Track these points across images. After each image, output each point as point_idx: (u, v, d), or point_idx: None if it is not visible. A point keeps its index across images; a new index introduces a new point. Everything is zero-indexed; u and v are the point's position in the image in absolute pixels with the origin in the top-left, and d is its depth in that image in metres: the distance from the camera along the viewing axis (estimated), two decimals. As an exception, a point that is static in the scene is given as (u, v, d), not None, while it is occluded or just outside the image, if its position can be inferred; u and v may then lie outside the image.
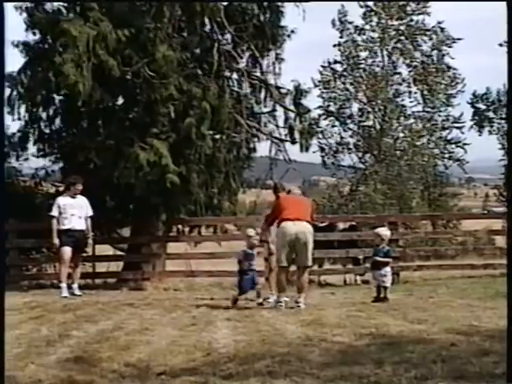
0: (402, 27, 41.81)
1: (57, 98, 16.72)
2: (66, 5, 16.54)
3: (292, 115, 18.33)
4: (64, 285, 14.23)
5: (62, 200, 14.57)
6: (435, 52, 41.96)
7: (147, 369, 6.46)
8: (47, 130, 16.98)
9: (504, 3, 6.01)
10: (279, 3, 17.89)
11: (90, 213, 14.71)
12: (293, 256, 11.56)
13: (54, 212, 14.40)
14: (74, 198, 14.59)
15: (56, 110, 16.88)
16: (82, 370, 6.54)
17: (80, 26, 14.82)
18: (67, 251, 14.32)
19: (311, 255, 11.74)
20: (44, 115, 16.85)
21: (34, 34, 16.38)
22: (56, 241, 14.31)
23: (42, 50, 16.16)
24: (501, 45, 40.81)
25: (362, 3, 41.62)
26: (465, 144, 42.21)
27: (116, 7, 15.84)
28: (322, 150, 42.04)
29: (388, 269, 12.20)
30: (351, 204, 40.20)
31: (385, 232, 12.76)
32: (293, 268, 12.00)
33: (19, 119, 16.52)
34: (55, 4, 16.68)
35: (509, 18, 6.07)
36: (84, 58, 14.67)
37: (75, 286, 14.53)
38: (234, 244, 21.86)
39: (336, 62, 42.40)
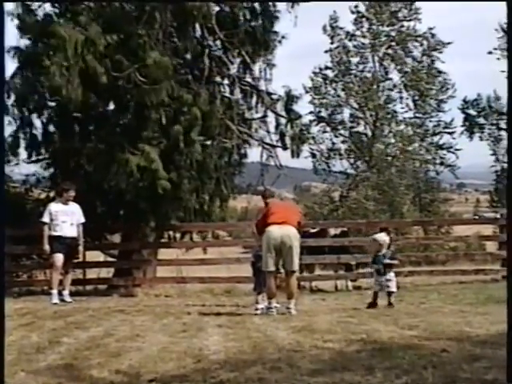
0: (393, 33, 41.97)
1: (48, 103, 16.73)
2: (56, 11, 16.55)
3: (283, 121, 18.34)
4: (55, 291, 14.18)
5: (53, 206, 14.50)
6: (426, 58, 42.14)
7: (138, 376, 6.43)
8: (39, 136, 16.96)
9: (504, 3, 6.02)
10: (271, 8, 17.91)
11: (82, 220, 14.65)
12: (280, 261, 11.55)
13: (45, 218, 14.34)
14: (66, 204, 14.52)
15: (48, 115, 16.86)
16: (72, 377, 6.51)
17: (69, 29, 14.81)
18: (59, 258, 14.27)
19: (298, 260, 11.70)
20: (35, 120, 16.86)
21: (27, 39, 16.36)
22: (46, 247, 14.26)
23: (34, 55, 16.11)
24: (490, 52, 41.16)
25: (353, 9, 41.79)
26: (456, 150, 42.40)
27: (106, 12, 15.83)
28: (314, 155, 42.19)
29: (392, 273, 12.19)
30: (342, 210, 40.26)
31: (383, 238, 12.74)
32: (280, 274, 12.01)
33: (14, 120, 16.56)
34: (46, 9, 16.72)
35: (509, 18, 6.07)
36: (72, 62, 14.65)
37: (66, 292, 14.49)
38: (224, 250, 21.91)
39: (327, 67, 42.57)
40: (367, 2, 41.41)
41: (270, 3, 17.90)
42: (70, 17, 15.83)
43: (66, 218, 14.43)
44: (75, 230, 14.54)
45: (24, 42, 16.47)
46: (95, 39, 15.00)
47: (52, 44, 14.78)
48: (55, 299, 14.02)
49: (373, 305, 11.97)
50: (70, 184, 14.77)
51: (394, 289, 12.09)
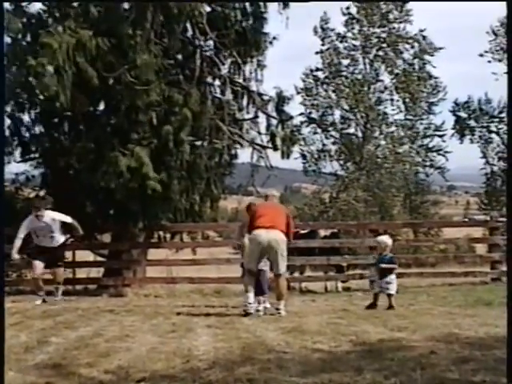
0: (384, 35, 41.98)
1: (38, 101, 16.65)
2: (45, 8, 16.49)
3: (274, 122, 18.34)
4: (41, 292, 14.20)
5: (29, 223, 14.23)
6: (417, 60, 42.19)
7: (126, 375, 6.42)
8: (28, 135, 16.93)
9: (504, 3, 6.03)
10: (262, 10, 17.91)
11: (68, 220, 14.51)
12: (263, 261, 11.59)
13: (21, 234, 14.11)
14: (39, 220, 14.24)
15: (37, 114, 16.81)
16: (61, 376, 6.49)
17: (59, 35, 14.75)
18: (37, 265, 14.26)
19: (285, 263, 11.67)
20: (25, 119, 16.83)
21: (11, 36, 16.20)
22: (16, 256, 14.05)
23: (20, 53, 15.99)
24: (481, 55, 41.28)
25: (344, 11, 41.83)
26: (446, 152, 42.47)
27: (96, 12, 15.76)
28: (304, 157, 42.18)
29: (393, 276, 12.19)
30: (332, 211, 40.25)
31: (385, 240, 12.73)
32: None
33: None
34: (33, 9, 16.65)
35: (509, 18, 6.08)
36: (66, 67, 14.62)
37: (59, 292, 14.45)
38: (214, 250, 21.90)
39: (318, 69, 42.57)
40: (358, 4, 41.44)
41: (261, 4, 17.92)
42: (59, 17, 15.77)
43: (43, 232, 14.31)
44: (56, 239, 14.42)
45: (8, 39, 16.36)
46: (86, 42, 14.97)
47: (43, 54, 14.70)
48: (38, 301, 13.95)
49: (372, 306, 11.98)
50: (39, 202, 14.71)
51: (392, 291, 12.07)
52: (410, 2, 41.52)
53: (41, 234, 14.30)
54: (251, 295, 11.49)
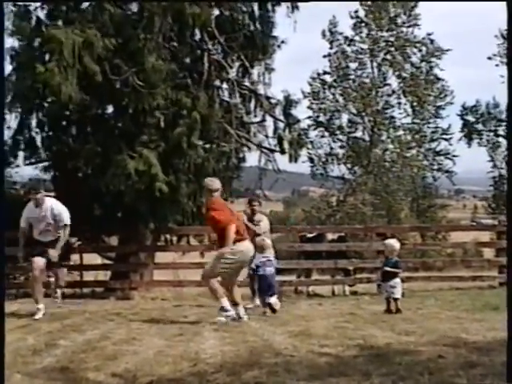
0: (392, 38, 41.90)
1: (46, 104, 16.67)
2: (54, 13, 16.52)
3: (281, 125, 18.38)
4: (40, 299, 13.35)
5: (28, 212, 12.90)
6: (424, 63, 42.10)
7: (134, 379, 6.43)
8: (36, 138, 16.94)
9: (504, 3, 6.04)
10: (270, 13, 17.94)
11: (65, 217, 13.49)
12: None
13: (22, 224, 12.85)
14: (39, 207, 12.74)
15: (45, 117, 16.82)
16: (68, 379, 6.50)
17: (66, 32, 14.78)
18: (37, 261, 12.83)
19: None
20: (34, 122, 16.81)
21: (20, 40, 16.22)
22: (20, 254, 12.81)
23: (29, 56, 16.01)
24: (490, 58, 41.20)
25: (352, 14, 41.78)
26: (454, 156, 42.33)
27: (105, 16, 15.79)
28: (311, 160, 42.01)
29: (397, 280, 12.14)
30: (339, 215, 40.16)
31: (394, 244, 12.69)
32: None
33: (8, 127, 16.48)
34: (42, 13, 16.67)
35: (509, 18, 6.09)
36: (70, 63, 14.59)
37: (58, 294, 13.91)
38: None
39: (325, 72, 42.48)
40: (367, 7, 41.40)
41: (270, 8, 17.94)
42: (66, 20, 15.81)
43: (40, 224, 12.68)
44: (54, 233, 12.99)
45: (17, 43, 16.40)
46: (93, 41, 14.98)
47: (48, 47, 14.75)
48: (39, 315, 12.62)
49: (388, 311, 11.93)
50: (37, 185, 13.48)
51: (397, 295, 12.02)
52: (418, 7, 41.50)
53: (40, 226, 12.67)
54: (225, 301, 11.16)
